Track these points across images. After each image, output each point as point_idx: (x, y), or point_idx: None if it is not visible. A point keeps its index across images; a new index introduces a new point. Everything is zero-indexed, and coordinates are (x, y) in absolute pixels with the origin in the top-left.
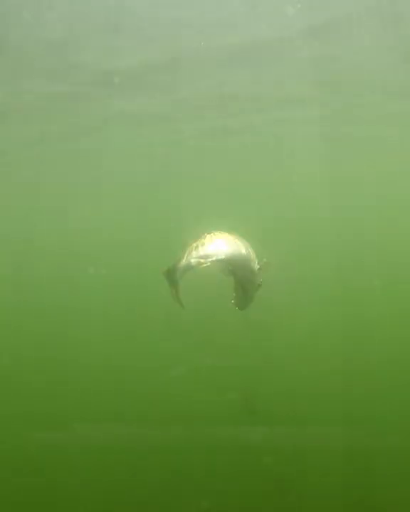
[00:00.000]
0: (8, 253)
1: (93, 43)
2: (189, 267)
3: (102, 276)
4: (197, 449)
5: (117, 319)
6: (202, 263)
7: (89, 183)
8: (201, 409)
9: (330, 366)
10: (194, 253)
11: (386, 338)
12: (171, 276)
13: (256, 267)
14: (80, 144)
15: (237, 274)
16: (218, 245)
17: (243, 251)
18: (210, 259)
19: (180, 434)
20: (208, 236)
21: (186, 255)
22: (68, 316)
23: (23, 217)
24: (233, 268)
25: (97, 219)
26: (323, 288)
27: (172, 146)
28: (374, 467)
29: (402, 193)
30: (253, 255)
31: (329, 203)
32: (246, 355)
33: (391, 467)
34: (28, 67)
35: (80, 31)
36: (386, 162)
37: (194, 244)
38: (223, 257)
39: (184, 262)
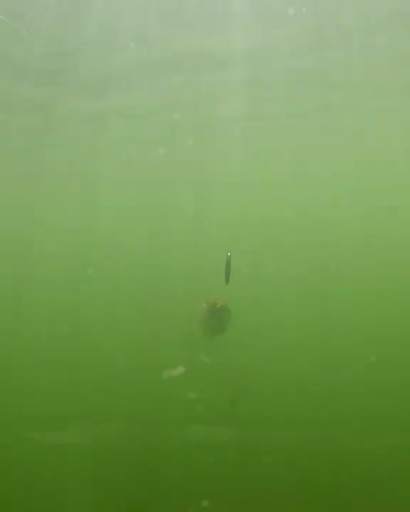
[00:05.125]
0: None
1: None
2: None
3: (101, 276)
4: (196, 449)
5: (116, 319)
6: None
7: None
8: (200, 409)
9: (329, 365)
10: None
11: (385, 336)
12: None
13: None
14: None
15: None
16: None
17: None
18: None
19: (179, 434)
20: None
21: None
22: (66, 315)
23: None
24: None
25: (93, 217)
26: (323, 285)
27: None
28: (371, 467)
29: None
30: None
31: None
32: (245, 354)
33: (388, 467)
34: None
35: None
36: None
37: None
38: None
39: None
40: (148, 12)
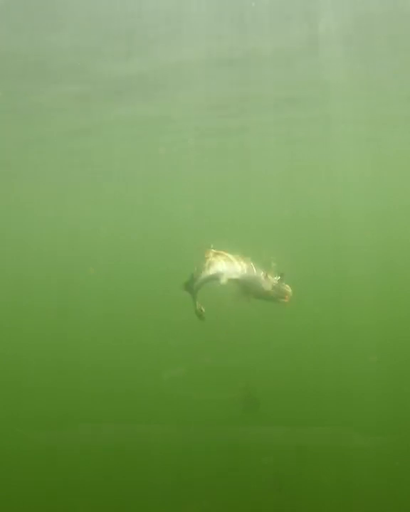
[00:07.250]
0: (6, 253)
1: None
2: (206, 280)
3: (101, 277)
4: (197, 449)
5: (117, 320)
6: (218, 278)
7: (89, 183)
8: (201, 410)
9: (329, 366)
10: (211, 269)
11: (385, 339)
12: (190, 287)
13: (263, 278)
14: (80, 144)
15: (247, 288)
16: (228, 265)
17: (249, 269)
18: (224, 276)
19: (179, 434)
20: (217, 255)
21: (202, 270)
22: (69, 316)
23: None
24: (243, 284)
25: (97, 219)
26: (322, 288)
27: (172, 146)
28: (371, 467)
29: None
30: (256, 269)
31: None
32: (245, 355)
33: (388, 467)
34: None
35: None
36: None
37: (208, 261)
38: (235, 276)
39: (201, 276)
40: None
